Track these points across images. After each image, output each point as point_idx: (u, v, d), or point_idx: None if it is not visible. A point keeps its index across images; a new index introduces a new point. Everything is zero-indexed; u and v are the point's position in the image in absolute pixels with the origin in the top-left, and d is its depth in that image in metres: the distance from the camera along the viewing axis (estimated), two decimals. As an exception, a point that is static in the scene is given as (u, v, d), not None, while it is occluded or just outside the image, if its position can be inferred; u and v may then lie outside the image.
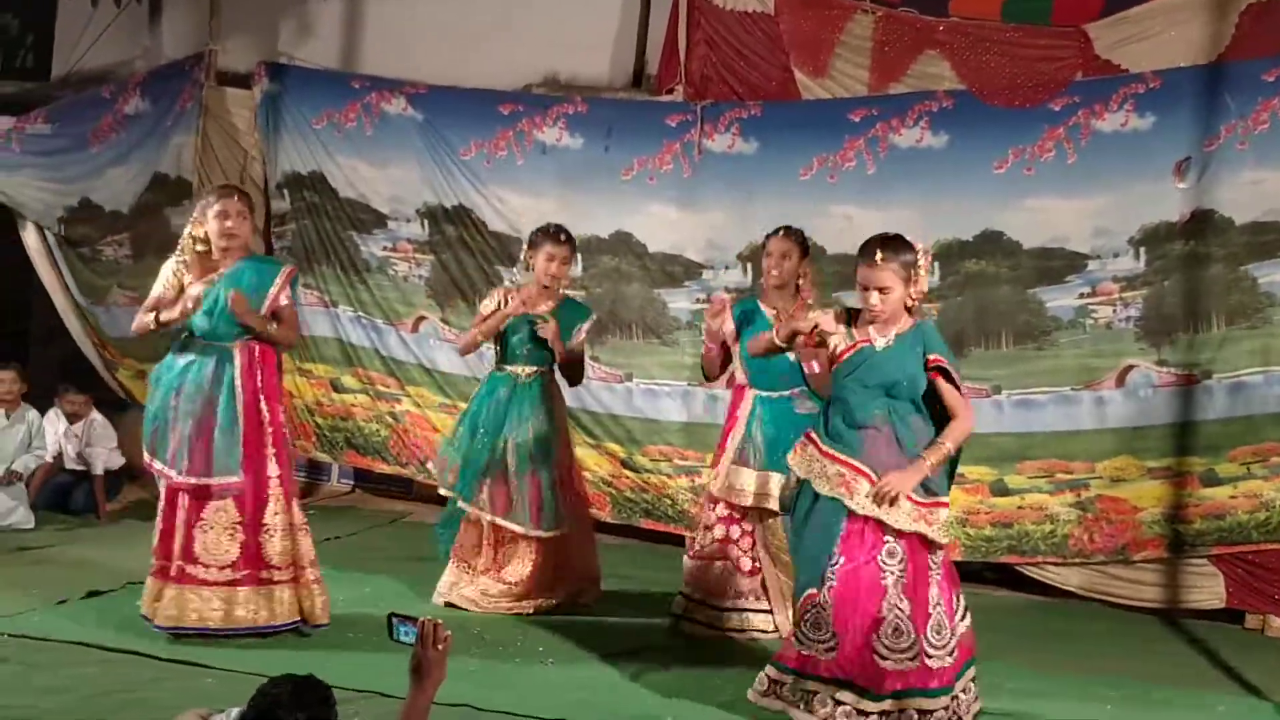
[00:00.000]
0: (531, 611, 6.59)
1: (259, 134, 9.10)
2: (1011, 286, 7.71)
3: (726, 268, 8.14)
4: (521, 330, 6.67)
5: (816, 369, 6.00)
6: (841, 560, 5.01)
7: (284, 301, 6.00)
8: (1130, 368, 7.49)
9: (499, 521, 6.63)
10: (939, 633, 5.03)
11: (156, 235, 8.92)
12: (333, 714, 3.42)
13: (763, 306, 6.38)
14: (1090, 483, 7.54)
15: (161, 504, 5.94)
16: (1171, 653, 6.83)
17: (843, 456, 5.07)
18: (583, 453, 8.08)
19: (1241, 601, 7.37)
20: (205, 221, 5.89)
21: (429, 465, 8.38)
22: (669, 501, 8.23)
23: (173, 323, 5.88)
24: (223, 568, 5.83)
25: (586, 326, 6.88)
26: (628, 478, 8.36)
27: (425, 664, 3.49)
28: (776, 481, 6.10)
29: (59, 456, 8.54)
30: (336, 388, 9.06)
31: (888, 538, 5.00)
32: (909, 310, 5.14)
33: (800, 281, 6.36)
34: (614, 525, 8.36)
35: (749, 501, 6.30)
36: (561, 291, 6.85)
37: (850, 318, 5.21)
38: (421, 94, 8.79)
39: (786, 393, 6.31)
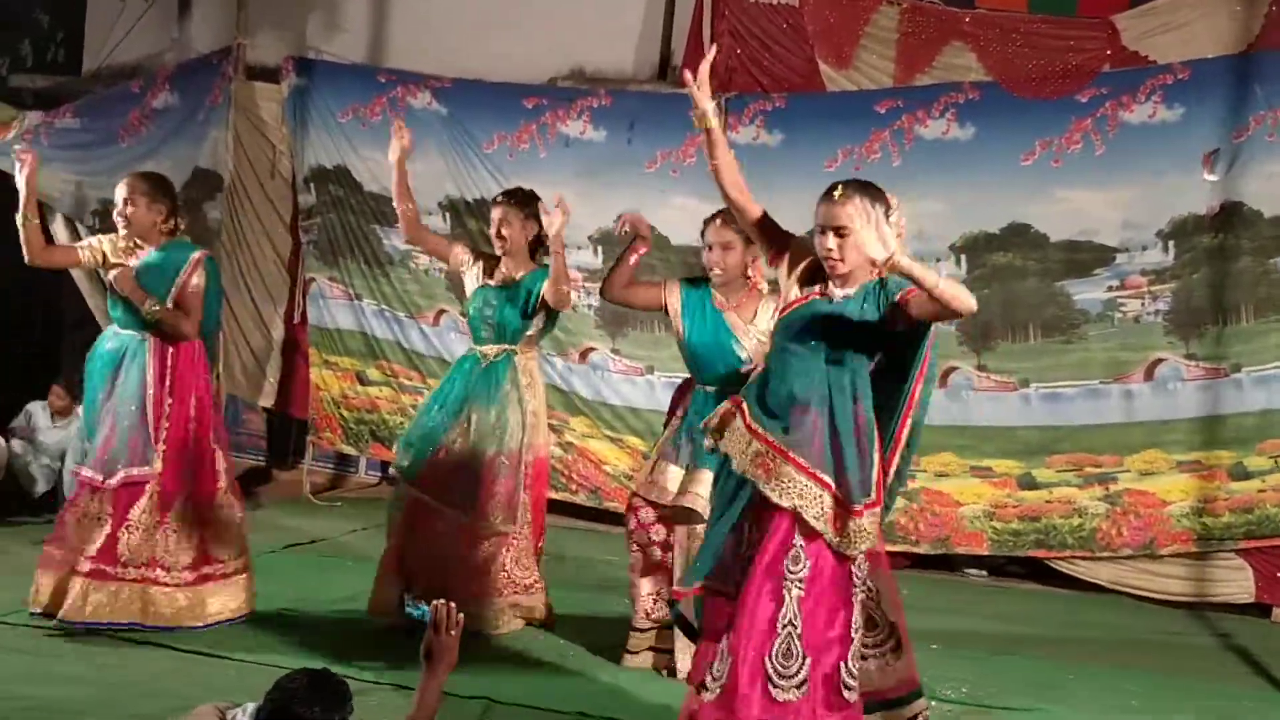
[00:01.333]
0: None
1: (287, 128, 9.13)
2: (1039, 279, 7.67)
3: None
4: (477, 304, 6.11)
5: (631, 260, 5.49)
6: (749, 558, 4.14)
7: (190, 288, 5.73)
8: (1159, 361, 7.44)
9: (442, 507, 5.99)
10: (862, 659, 4.20)
11: (197, 228, 8.97)
12: (348, 708, 3.41)
13: (714, 293, 5.57)
14: (1118, 476, 7.49)
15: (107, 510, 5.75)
16: (1199, 646, 6.79)
17: (770, 436, 4.14)
18: (602, 446, 8.10)
19: (1270, 595, 7.35)
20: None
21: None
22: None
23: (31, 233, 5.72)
24: (88, 558, 5.68)
25: (545, 285, 5.93)
26: (648, 470, 8.34)
27: (437, 648, 3.49)
28: (706, 480, 5.10)
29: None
30: (362, 380, 9.08)
31: (796, 538, 4.09)
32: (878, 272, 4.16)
33: (749, 271, 5.53)
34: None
35: (668, 500, 5.46)
36: (530, 259, 6.11)
37: (811, 274, 4.26)
38: (446, 88, 8.81)
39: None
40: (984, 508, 7.72)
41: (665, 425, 5.75)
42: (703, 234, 5.62)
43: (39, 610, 5.73)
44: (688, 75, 4.23)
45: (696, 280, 5.69)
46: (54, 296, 9.74)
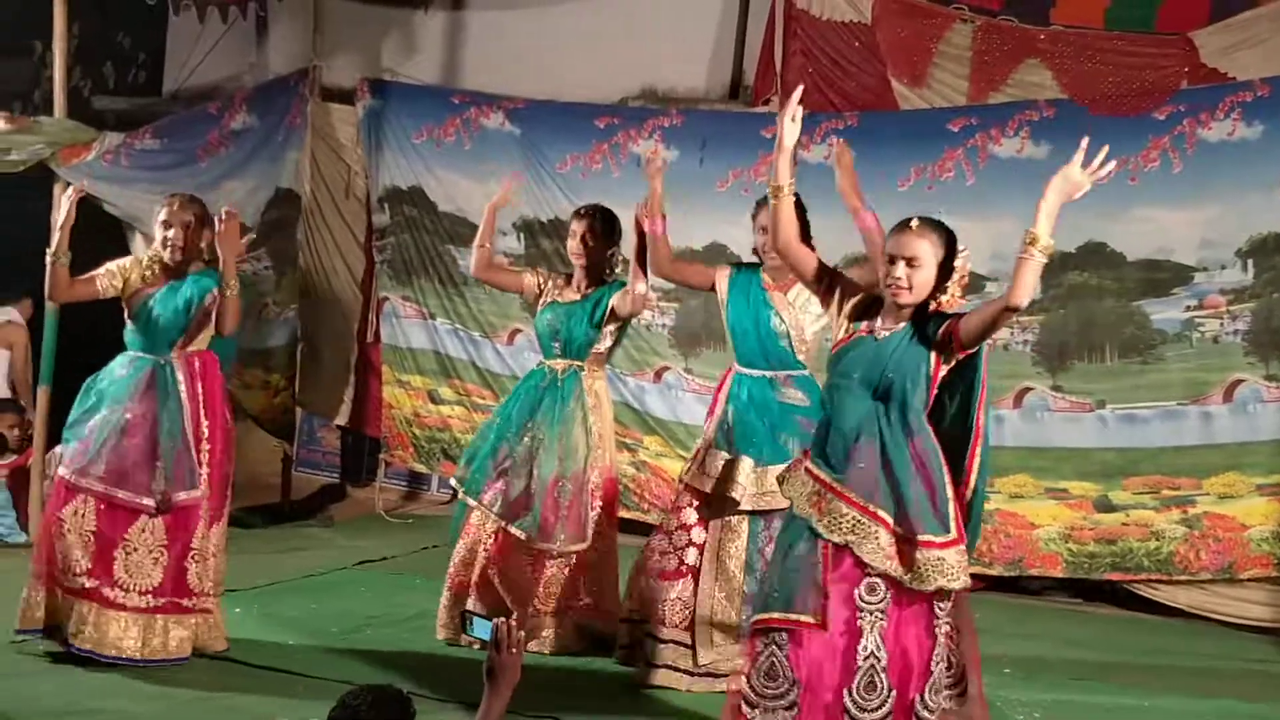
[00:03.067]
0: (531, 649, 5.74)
1: (362, 149, 9.22)
2: (1116, 299, 7.57)
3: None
4: (546, 319, 6.12)
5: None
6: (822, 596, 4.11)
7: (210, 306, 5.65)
8: (1238, 382, 7.31)
9: (504, 526, 5.94)
10: (936, 694, 4.13)
11: (291, 249, 9.15)
12: None
13: (764, 276, 5.66)
14: (1196, 499, 7.36)
15: (58, 513, 5.54)
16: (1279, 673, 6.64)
17: (822, 474, 4.20)
18: (676, 465, 8.03)
19: (1354, 621, 7.17)
20: (157, 228, 5.70)
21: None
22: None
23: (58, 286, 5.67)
24: (144, 593, 5.50)
25: (615, 298, 5.96)
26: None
27: (499, 667, 3.46)
28: (746, 467, 5.42)
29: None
30: (434, 399, 9.13)
31: (869, 570, 4.09)
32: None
33: None
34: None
35: (709, 487, 5.51)
36: (603, 276, 6.13)
37: (868, 306, 4.32)
38: (519, 108, 8.85)
39: (769, 373, 5.57)
40: (1059, 530, 7.62)
41: (709, 414, 5.74)
42: (754, 217, 5.71)
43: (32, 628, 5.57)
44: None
45: (749, 264, 5.80)
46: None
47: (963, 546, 4.15)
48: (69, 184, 5.85)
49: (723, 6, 8.84)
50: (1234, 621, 7.32)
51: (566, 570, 6.02)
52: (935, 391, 4.21)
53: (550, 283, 6.22)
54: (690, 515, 5.62)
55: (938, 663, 4.11)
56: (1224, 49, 7.35)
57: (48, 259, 5.67)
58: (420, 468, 9.36)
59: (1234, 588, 7.34)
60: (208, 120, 9.13)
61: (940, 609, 4.12)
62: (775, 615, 4.16)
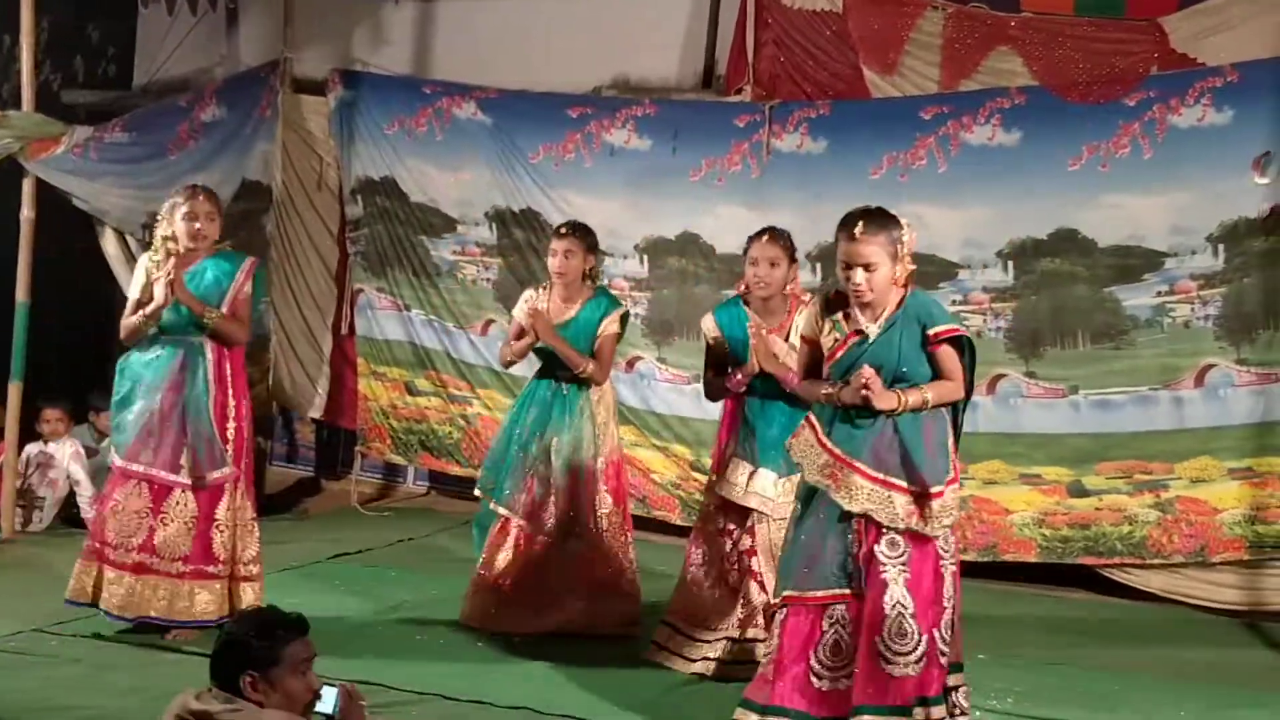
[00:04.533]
0: (548, 629, 6.17)
1: (333, 140, 9.19)
2: (1088, 285, 7.60)
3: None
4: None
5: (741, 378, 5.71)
6: (859, 568, 4.51)
7: (243, 295, 5.99)
8: (1209, 367, 7.35)
9: (526, 526, 6.32)
10: (950, 630, 4.55)
11: (257, 240, 9.07)
12: (289, 637, 3.54)
13: (747, 311, 5.85)
14: (1169, 484, 7.40)
15: (114, 494, 5.94)
16: (1251, 656, 6.67)
17: (836, 450, 4.56)
18: (649, 455, 8.10)
19: (1326, 605, 7.22)
20: (173, 222, 5.88)
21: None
22: (738, 503, 8.16)
23: (156, 314, 5.85)
24: (174, 559, 5.88)
25: (610, 320, 6.33)
26: (696, 480, 8.33)
27: None
28: (769, 480, 5.70)
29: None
30: (410, 390, 9.12)
31: (886, 528, 4.49)
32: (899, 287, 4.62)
33: (790, 286, 5.82)
34: (685, 528, 8.32)
35: (740, 496, 5.77)
36: (591, 284, 6.42)
37: (829, 305, 4.71)
38: (492, 98, 8.84)
39: (780, 397, 5.75)
40: (1033, 515, 7.65)
41: (726, 429, 5.96)
42: (746, 250, 5.84)
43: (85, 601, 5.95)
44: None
45: (728, 302, 6.01)
46: (107, 314, 9.86)
47: (958, 485, 4.62)
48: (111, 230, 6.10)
49: (694, -4, 8.84)
50: (1206, 605, 7.36)
51: (584, 553, 6.30)
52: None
53: (538, 297, 6.40)
54: (723, 520, 5.87)
55: (949, 599, 4.52)
56: (1194, 34, 7.37)
57: (136, 319, 5.89)
58: (398, 459, 9.34)
59: (1206, 571, 7.38)
60: (177, 113, 9.09)
61: (944, 550, 4.54)
62: (819, 593, 4.54)
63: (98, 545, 5.93)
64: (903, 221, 4.61)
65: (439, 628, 6.26)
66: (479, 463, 8.83)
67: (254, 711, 3.42)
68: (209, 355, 5.92)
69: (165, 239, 5.89)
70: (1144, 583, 7.51)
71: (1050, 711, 5.47)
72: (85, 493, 8.04)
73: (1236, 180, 7.23)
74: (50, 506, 8.08)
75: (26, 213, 7.92)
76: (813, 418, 4.68)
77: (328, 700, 3.52)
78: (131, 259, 8.81)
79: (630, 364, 8.51)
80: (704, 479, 8.21)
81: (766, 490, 5.71)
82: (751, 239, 5.80)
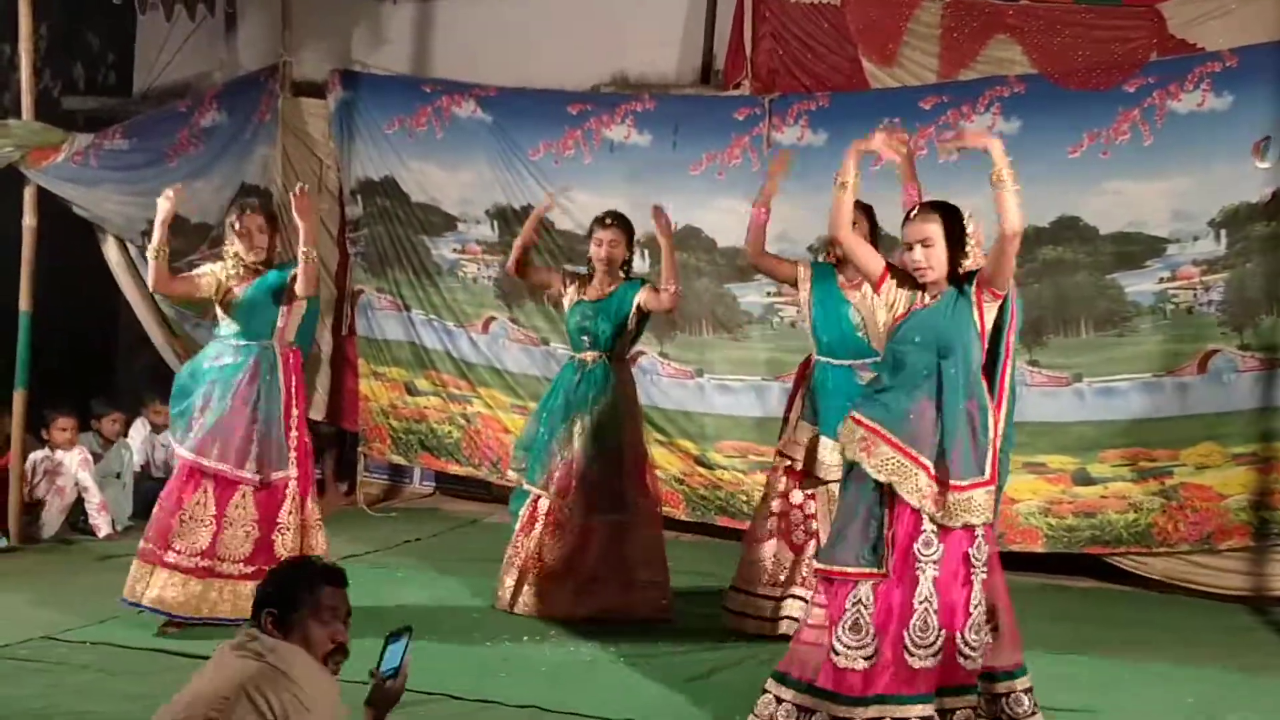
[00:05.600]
0: (584, 614, 6.40)
1: (334, 142, 9.20)
2: (1090, 272, 7.60)
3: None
4: (576, 318, 6.67)
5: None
6: (889, 550, 4.65)
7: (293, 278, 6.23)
8: (1213, 353, 7.35)
9: (558, 506, 6.56)
10: (977, 633, 4.68)
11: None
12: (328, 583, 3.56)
13: (840, 275, 6.21)
14: (1174, 470, 7.41)
15: (177, 492, 6.11)
16: (1258, 641, 6.68)
17: (869, 421, 4.73)
18: (654, 450, 8.05)
19: (1333, 589, 7.20)
20: (234, 239, 6.24)
21: (500, 466, 8.42)
22: (744, 498, 8.17)
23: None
24: (235, 561, 6.09)
25: (641, 295, 6.58)
26: (701, 475, 8.33)
27: (393, 692, 3.53)
28: (828, 445, 6.02)
29: (147, 465, 8.73)
30: (410, 390, 9.13)
31: (924, 525, 4.63)
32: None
33: None
34: (690, 523, 8.34)
35: (800, 455, 6.16)
36: (620, 274, 6.71)
37: (905, 279, 4.87)
38: (491, 96, 8.85)
39: (848, 362, 6.14)
40: (1039, 504, 7.65)
41: (791, 396, 6.38)
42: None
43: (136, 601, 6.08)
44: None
45: (824, 264, 6.35)
46: (110, 321, 9.88)
47: (993, 487, 4.71)
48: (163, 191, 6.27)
49: (692, -10, 8.84)
50: (1213, 591, 7.36)
51: (612, 539, 6.53)
52: (986, 346, 4.73)
53: (574, 285, 6.73)
54: (786, 482, 6.25)
55: (976, 605, 4.65)
56: (1192, 20, 7.37)
57: (149, 255, 6.18)
58: (398, 459, 9.35)
59: (1212, 557, 7.38)
60: (177, 119, 9.06)
61: (975, 559, 4.67)
62: (849, 569, 4.69)
63: (154, 548, 6.07)
64: (966, 214, 4.82)
65: (445, 628, 6.26)
66: (479, 461, 8.88)
67: (270, 642, 3.42)
68: (280, 360, 6.20)
69: (233, 252, 6.23)
70: (1149, 570, 7.50)
71: (1059, 702, 5.44)
72: (94, 500, 8.06)
73: (1237, 165, 7.24)
74: (58, 514, 8.09)
75: (28, 221, 7.92)
76: (858, 405, 4.89)
77: (395, 654, 3.53)
78: (133, 266, 8.83)
79: (633, 359, 8.49)
80: (709, 473, 8.27)
81: (826, 456, 6.05)
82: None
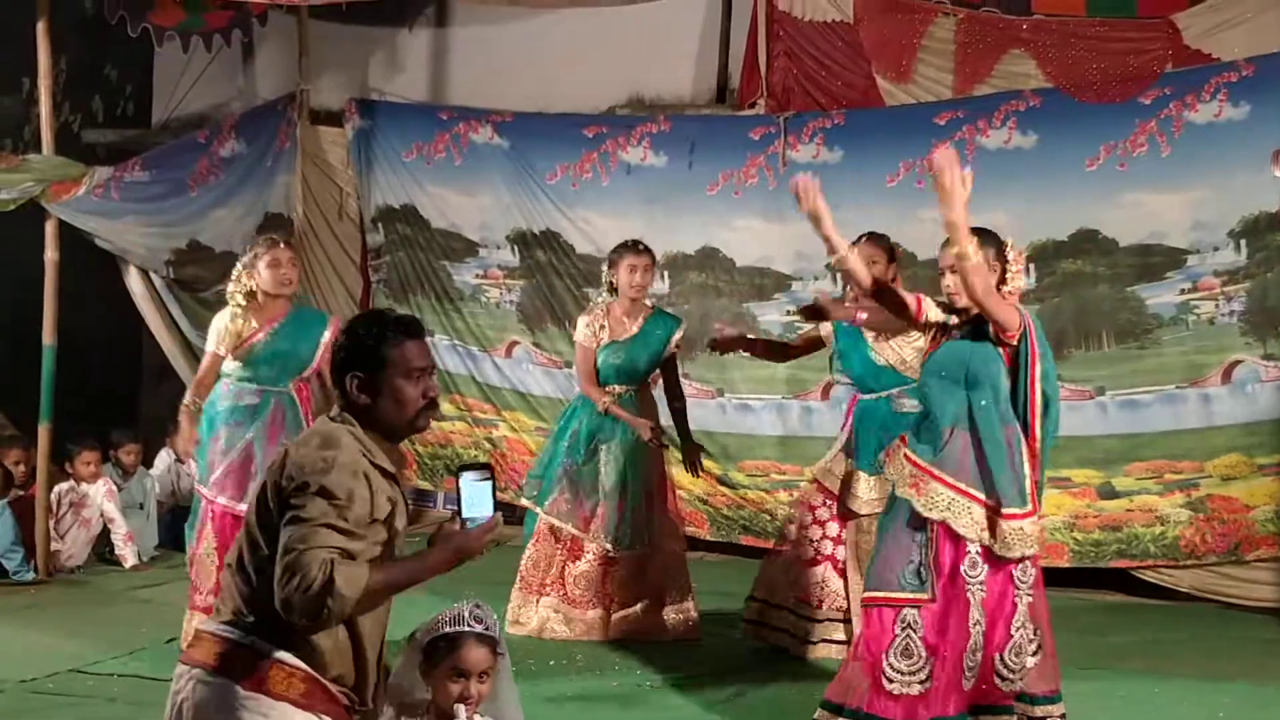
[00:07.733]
0: (602, 637, 6.48)
1: (352, 169, 9.24)
2: (1110, 285, 7.58)
3: (815, 278, 8.09)
4: (610, 359, 6.61)
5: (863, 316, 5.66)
6: (932, 574, 4.69)
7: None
8: (1236, 363, 7.32)
9: (576, 534, 6.57)
10: (1018, 655, 4.72)
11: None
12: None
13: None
14: (1200, 482, 7.37)
15: (215, 543, 6.05)
16: (1290, 653, 6.63)
17: (919, 460, 4.75)
18: (676, 470, 8.05)
19: (1362, 598, 7.15)
20: (255, 274, 6.10)
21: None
22: (768, 516, 8.16)
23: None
24: None
25: (677, 337, 6.70)
26: (724, 494, 8.32)
27: (470, 545, 3.10)
28: (862, 478, 6.06)
29: (172, 494, 8.76)
30: (435, 416, 9.12)
31: (970, 547, 4.67)
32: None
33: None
34: (714, 543, 8.33)
35: (834, 486, 6.16)
36: (648, 303, 6.75)
37: (953, 310, 4.88)
38: (508, 121, 8.88)
39: (884, 393, 6.11)
40: (1064, 519, 7.61)
41: (841, 429, 6.35)
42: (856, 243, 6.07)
43: None
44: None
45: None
46: (133, 352, 9.92)
47: (1037, 517, 4.74)
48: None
49: (705, 12, 8.86)
50: (1242, 603, 7.31)
51: (638, 564, 6.55)
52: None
53: (602, 326, 6.64)
54: (822, 510, 6.22)
55: (1018, 628, 4.68)
56: (1207, 30, 7.37)
57: (182, 411, 6.22)
58: (424, 485, 9.36)
59: (1241, 569, 7.34)
60: (196, 149, 9.11)
61: (1021, 581, 4.69)
62: (894, 595, 4.70)
63: (191, 592, 6.10)
64: (1006, 240, 4.81)
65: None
66: (504, 485, 8.88)
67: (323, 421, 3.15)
68: (299, 402, 6.18)
69: (245, 290, 6.09)
70: (1175, 582, 7.47)
71: (1089, 716, 5.43)
72: (120, 531, 8.10)
73: (1256, 174, 7.21)
74: (84, 546, 8.12)
75: (50, 254, 7.97)
76: (906, 435, 4.90)
77: (482, 497, 3.09)
78: (157, 296, 8.87)
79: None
80: (732, 493, 8.27)
81: (859, 490, 6.06)
82: (851, 244, 5.51)
